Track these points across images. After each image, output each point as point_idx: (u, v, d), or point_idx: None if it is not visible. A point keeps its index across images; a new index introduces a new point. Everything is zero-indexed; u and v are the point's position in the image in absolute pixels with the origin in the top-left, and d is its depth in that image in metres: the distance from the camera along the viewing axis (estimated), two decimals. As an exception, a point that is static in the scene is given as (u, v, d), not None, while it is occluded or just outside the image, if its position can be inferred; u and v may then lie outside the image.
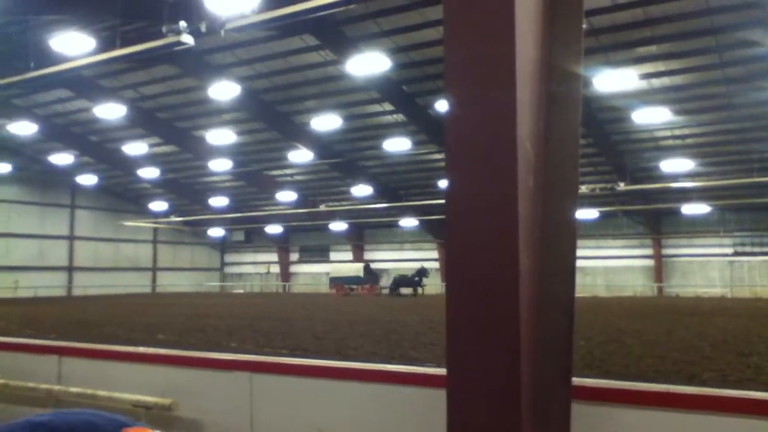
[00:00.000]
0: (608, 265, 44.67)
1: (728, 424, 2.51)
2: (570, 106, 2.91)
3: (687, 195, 38.58)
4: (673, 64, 26.09)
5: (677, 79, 27.18)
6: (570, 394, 2.53)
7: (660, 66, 26.10)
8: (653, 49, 25.00)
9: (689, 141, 32.35)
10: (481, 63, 2.51)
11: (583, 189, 33.13)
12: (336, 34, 25.03)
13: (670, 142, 32.94)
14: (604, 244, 44.10)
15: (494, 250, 2.42)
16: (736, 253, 41.77)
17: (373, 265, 48.59)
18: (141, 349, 4.71)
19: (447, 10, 2.63)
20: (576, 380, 2.63)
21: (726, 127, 30.95)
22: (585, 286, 44.24)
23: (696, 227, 41.95)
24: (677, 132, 31.78)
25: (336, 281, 46.62)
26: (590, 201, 39.00)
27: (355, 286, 45.49)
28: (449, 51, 2.63)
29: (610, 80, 25.03)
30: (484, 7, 2.49)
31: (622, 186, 33.36)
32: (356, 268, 46.87)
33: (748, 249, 41.59)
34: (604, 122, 31.32)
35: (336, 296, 42.77)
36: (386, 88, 29.25)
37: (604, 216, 41.93)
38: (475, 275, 2.47)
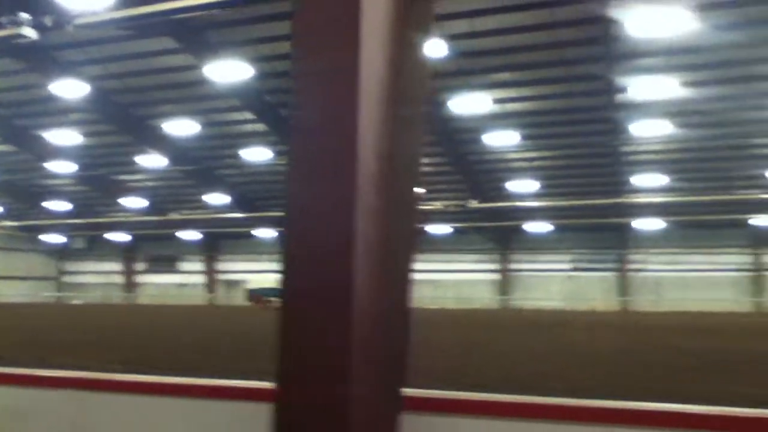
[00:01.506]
0: (459, 279, 46.35)
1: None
2: (415, 127, 2.96)
3: (532, 214, 41.01)
4: (525, 91, 27.67)
5: (528, 105, 28.85)
6: (402, 405, 2.59)
7: (512, 92, 27.56)
8: (507, 75, 26.35)
9: (536, 164, 34.44)
10: (325, 79, 2.55)
11: (438, 205, 34.25)
12: (197, 38, 24.09)
13: (519, 164, 34.90)
14: (455, 258, 45.76)
15: (330, 264, 2.47)
16: (574, 269, 44.93)
17: (228, 277, 47.17)
18: None
19: (294, 24, 2.68)
20: (408, 391, 2.67)
21: (569, 152, 33.27)
22: (436, 299, 45.55)
23: (539, 244, 44.67)
24: (526, 155, 33.73)
25: (255, 293, 44.79)
26: (444, 217, 40.35)
27: (273, 299, 44.41)
28: (295, 65, 2.67)
29: (467, 103, 26.09)
30: (330, 23, 2.54)
31: (474, 203, 34.81)
32: (275, 279, 45.32)
33: (584, 265, 44.92)
34: (460, 142, 32.58)
35: (254, 309, 41.19)
36: (248, 97, 28.61)
37: (456, 231, 43.57)
38: (310, 288, 2.51)
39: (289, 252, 2.58)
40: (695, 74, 25.16)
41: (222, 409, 3.10)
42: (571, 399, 2.75)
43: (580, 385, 9.30)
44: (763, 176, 32.69)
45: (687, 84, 25.34)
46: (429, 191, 37.10)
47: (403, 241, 2.74)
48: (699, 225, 39.69)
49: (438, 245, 45.45)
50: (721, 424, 2.50)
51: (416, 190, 2.80)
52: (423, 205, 37.59)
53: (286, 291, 2.58)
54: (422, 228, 42.59)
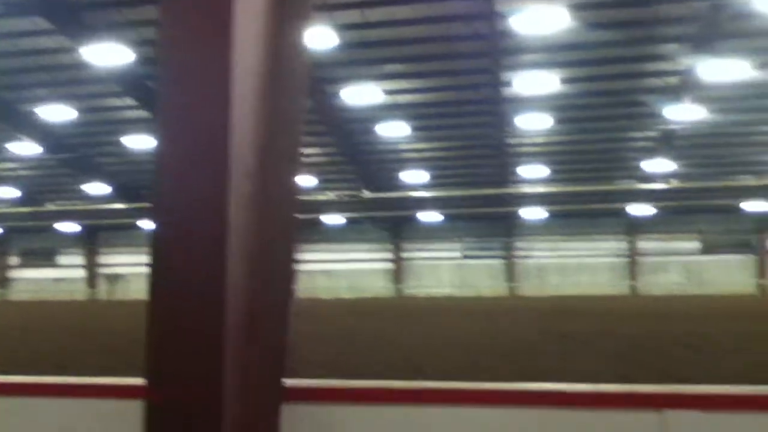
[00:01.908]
0: (353, 268, 46.51)
1: (448, 414, 2.64)
2: (295, 117, 2.93)
3: (423, 204, 41.73)
4: (415, 83, 28.02)
5: (418, 97, 29.25)
6: (283, 396, 2.59)
7: (403, 84, 27.83)
8: (398, 67, 26.57)
9: (426, 155, 35.04)
10: (196, 68, 2.48)
11: (331, 195, 34.22)
12: (72, 19, 22.67)
13: (410, 154, 35.39)
14: (349, 248, 45.91)
15: (201, 255, 2.42)
16: (464, 257, 46.18)
17: (111, 271, 45.09)
18: None
19: (163, 11, 2.59)
20: (290, 382, 2.68)
21: (457, 144, 34.08)
22: (330, 289, 45.59)
23: (430, 233, 45.57)
24: (416, 146, 34.23)
25: None
26: (338, 207, 40.33)
27: None
28: (163, 54, 2.59)
29: (359, 93, 26.10)
30: (201, 10, 2.47)
31: (366, 193, 35.00)
32: None
33: (474, 253, 46.30)
34: (352, 133, 32.59)
35: None
36: (129, 82, 27.28)
37: (350, 221, 43.68)
38: (179, 280, 2.44)
39: (158, 243, 2.51)
40: (573, 71, 26.41)
41: (91, 407, 2.94)
42: (442, 383, 2.86)
43: (453, 368, 9.55)
44: (638, 167, 34.81)
45: (566, 80, 26.54)
46: (322, 181, 36.95)
47: (282, 232, 2.70)
48: (579, 214, 41.80)
49: (331, 235, 45.40)
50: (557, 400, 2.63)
51: (296, 180, 2.76)
52: (315, 195, 37.41)
53: (154, 284, 2.49)
54: (302, 219, 42.39)
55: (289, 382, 2.70)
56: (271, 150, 2.67)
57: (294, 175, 2.79)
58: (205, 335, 2.40)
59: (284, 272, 2.75)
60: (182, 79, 2.53)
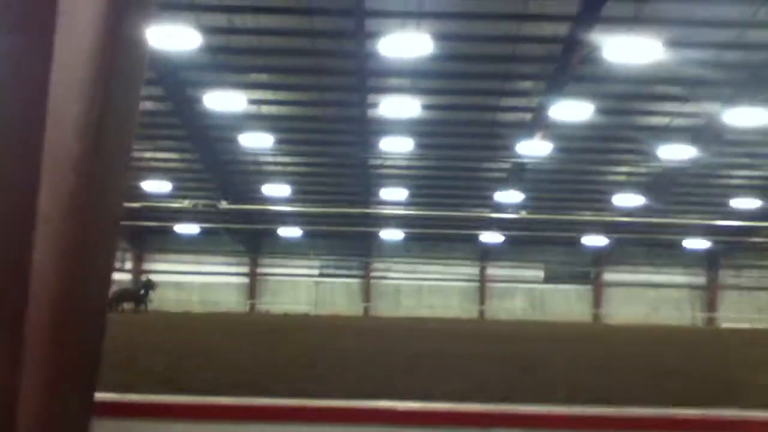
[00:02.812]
0: (205, 281, 44.99)
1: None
2: (128, 114, 2.71)
3: (283, 218, 41.24)
4: (281, 95, 27.73)
5: (283, 110, 28.96)
6: (93, 410, 2.42)
7: (269, 95, 27.44)
8: (264, 77, 26.17)
9: (289, 168, 34.69)
10: (17, 59, 2.21)
11: (186, 204, 32.91)
12: None
13: (272, 167, 34.89)
14: (203, 260, 44.37)
15: (5, 259, 2.19)
16: (321, 275, 46.04)
17: None
18: None
19: None
20: (102, 396, 2.53)
21: (320, 160, 34.06)
22: (180, 302, 43.77)
23: (289, 248, 45.05)
24: (279, 159, 33.81)
25: None
26: (192, 216, 38.93)
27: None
28: None
29: (222, 100, 25.37)
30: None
31: (224, 204, 34.03)
32: None
33: (332, 271, 46.26)
34: (213, 140, 31.67)
35: None
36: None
37: (205, 232, 42.25)
38: None
39: None
40: (435, 98, 27.27)
41: None
42: (273, 399, 2.83)
43: (301, 386, 9.35)
44: (491, 196, 36.42)
45: (427, 107, 27.34)
46: (177, 188, 35.51)
47: (104, 233, 2.51)
48: (435, 237, 43.09)
49: (184, 245, 43.74)
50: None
51: (126, 180, 2.53)
52: (169, 202, 35.87)
53: None
54: (152, 226, 40.61)
55: (101, 395, 2.52)
56: (99, 145, 2.43)
57: (124, 174, 2.56)
58: (2, 344, 2.15)
59: (103, 279, 2.52)
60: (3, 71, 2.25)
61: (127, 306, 37.11)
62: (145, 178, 33.80)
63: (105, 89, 2.56)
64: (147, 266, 45.11)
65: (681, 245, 42.26)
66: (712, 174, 34.21)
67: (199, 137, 30.82)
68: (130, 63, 2.66)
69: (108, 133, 2.58)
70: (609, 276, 45.61)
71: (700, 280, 45.71)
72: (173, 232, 42.06)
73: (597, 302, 45.50)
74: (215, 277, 44.51)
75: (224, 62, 24.60)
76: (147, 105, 27.33)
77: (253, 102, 27.23)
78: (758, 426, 2.73)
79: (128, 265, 44.43)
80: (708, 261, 45.07)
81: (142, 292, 37.81)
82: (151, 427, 2.66)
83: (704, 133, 28.84)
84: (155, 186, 34.53)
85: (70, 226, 2.36)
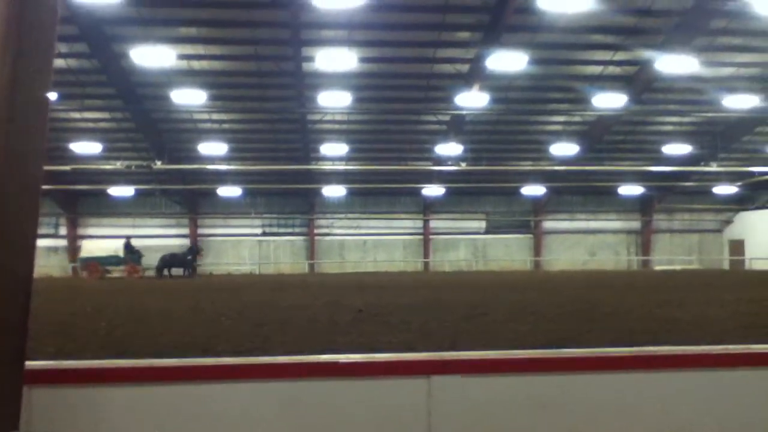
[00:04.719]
0: (145, 245, 43.83)
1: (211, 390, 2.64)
2: (42, 69, 2.53)
3: (222, 177, 40.44)
4: (213, 50, 26.83)
5: (216, 65, 28.08)
6: (22, 379, 2.41)
7: (200, 49, 26.52)
8: (194, 31, 25.23)
9: (225, 126, 33.84)
10: None
11: (118, 165, 31.82)
12: None
13: (208, 125, 33.97)
14: (140, 222, 43.28)
15: None
16: (264, 234, 45.57)
17: None
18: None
19: None
20: (32, 363, 2.54)
21: (258, 117, 33.35)
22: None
23: (230, 208, 44.34)
24: (214, 116, 32.92)
25: (88, 261, 37.54)
26: (126, 178, 37.77)
27: (111, 268, 37.26)
28: None
29: (150, 56, 24.34)
30: None
31: (159, 164, 33.05)
32: (114, 246, 38.48)
33: (275, 230, 45.85)
34: (144, 98, 30.53)
35: (88, 281, 32.91)
36: None
37: (140, 194, 41.09)
38: None
39: None
40: (371, 50, 26.88)
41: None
42: (222, 358, 2.99)
43: (246, 344, 9.26)
44: (432, 149, 36.46)
45: (363, 59, 26.94)
46: (108, 149, 34.27)
47: (24, 199, 2.49)
48: (377, 192, 43.09)
49: (120, 208, 42.51)
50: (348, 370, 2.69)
51: (42, 140, 2.54)
52: (100, 164, 34.67)
53: None
54: (84, 189, 39.40)
55: (31, 363, 2.50)
56: (12, 103, 2.39)
57: (42, 135, 2.56)
58: None
59: (24, 244, 2.49)
60: None
61: (175, 272, 36.42)
62: (74, 139, 32.41)
63: (16, 47, 2.37)
64: (82, 231, 43.71)
65: (616, 192, 43.42)
66: (645, 121, 35.03)
67: (128, 95, 29.66)
68: (39, 16, 2.46)
69: (21, 92, 2.40)
70: (548, 224, 46.65)
71: (635, 224, 47.24)
72: (108, 195, 40.71)
73: (537, 250, 46.58)
74: (155, 240, 43.42)
75: (151, 15, 23.57)
76: (71, 62, 26.08)
77: (183, 57, 26.29)
78: (688, 359, 2.80)
79: (62, 230, 42.98)
80: (642, 206, 46.54)
81: (189, 257, 37.31)
82: (87, 392, 2.59)
83: (637, 81, 29.39)
84: (86, 147, 33.14)
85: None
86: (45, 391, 2.55)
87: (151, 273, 37.48)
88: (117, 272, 37.87)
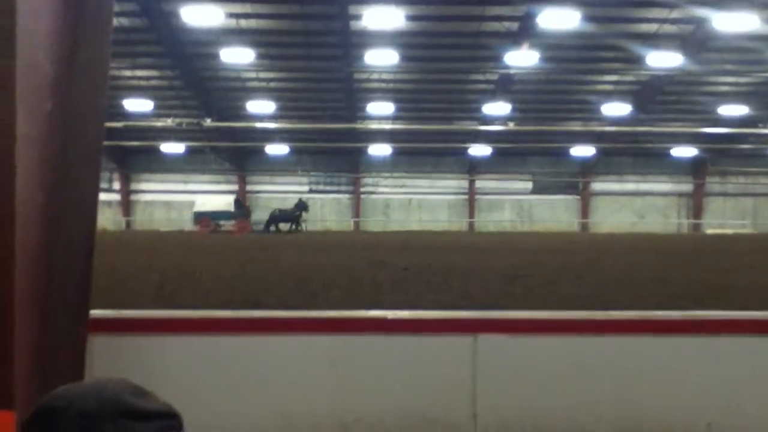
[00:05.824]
0: (195, 200, 44.85)
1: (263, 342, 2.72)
2: (101, 33, 2.61)
3: (269, 136, 40.81)
4: (261, 8, 26.84)
5: (263, 23, 28.10)
6: (86, 329, 2.51)
7: (248, 8, 26.57)
8: (242, -11, 25.29)
9: (272, 84, 34.03)
10: None
11: (169, 122, 32.39)
12: None
13: (255, 83, 34.20)
14: (191, 179, 44.18)
15: None
16: (311, 191, 46.01)
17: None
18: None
19: None
20: (96, 313, 2.63)
21: (305, 75, 33.38)
22: (171, 221, 43.95)
23: (277, 166, 44.85)
24: (262, 75, 33.10)
25: (201, 216, 38.88)
26: (177, 135, 38.45)
27: (223, 223, 38.65)
28: None
29: (199, 15, 24.53)
30: None
31: (209, 122, 33.54)
32: (225, 202, 39.90)
33: (321, 187, 46.24)
34: (193, 56, 30.89)
35: (200, 234, 34.65)
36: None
37: (190, 151, 41.85)
38: None
39: None
40: (418, 8, 26.49)
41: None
42: (273, 311, 3.17)
43: (290, 299, 9.52)
44: (479, 109, 36.06)
45: (411, 17, 26.59)
46: (159, 107, 34.90)
47: (86, 155, 2.54)
48: (423, 152, 42.93)
49: (171, 165, 43.41)
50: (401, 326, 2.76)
51: (104, 100, 2.59)
52: (152, 121, 35.31)
53: None
54: (137, 145, 40.21)
55: (94, 312, 2.60)
56: (74, 63, 2.46)
57: (102, 92, 2.62)
58: None
59: (88, 199, 2.57)
60: None
61: (283, 227, 37.16)
62: (126, 96, 33.09)
63: (76, 6, 2.47)
64: (134, 186, 44.88)
65: (668, 153, 42.36)
66: (700, 81, 33.88)
67: (177, 53, 30.03)
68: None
69: (81, 52, 2.51)
70: (596, 186, 45.88)
71: (686, 187, 46.12)
72: (159, 151, 41.60)
73: (584, 212, 45.97)
74: (204, 196, 44.37)
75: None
76: (122, 21, 26.46)
77: (231, 15, 26.40)
78: (738, 324, 2.81)
79: (116, 185, 44.20)
80: (694, 168, 45.33)
81: (297, 213, 37.85)
82: (146, 341, 2.73)
83: (692, 40, 28.38)
84: (137, 105, 33.83)
85: (50, 147, 2.41)
86: (106, 339, 2.66)
87: (260, 228, 38.01)
88: (228, 227, 38.82)
